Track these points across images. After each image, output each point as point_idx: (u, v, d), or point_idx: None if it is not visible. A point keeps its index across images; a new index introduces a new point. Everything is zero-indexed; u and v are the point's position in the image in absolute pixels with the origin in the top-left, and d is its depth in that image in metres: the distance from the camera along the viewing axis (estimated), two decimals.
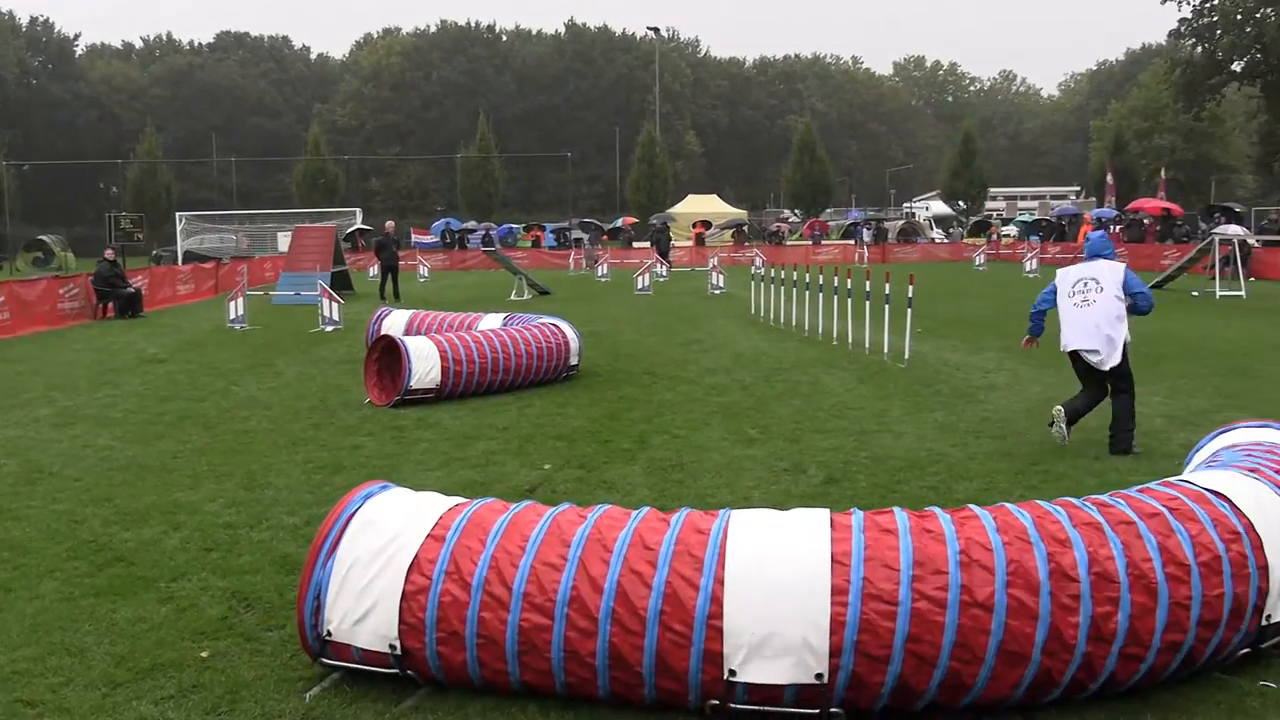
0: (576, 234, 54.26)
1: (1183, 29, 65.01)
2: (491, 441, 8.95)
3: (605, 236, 54.96)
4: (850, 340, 14.97)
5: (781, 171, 69.57)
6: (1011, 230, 59.65)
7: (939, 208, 71.75)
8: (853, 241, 50.71)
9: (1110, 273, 8.51)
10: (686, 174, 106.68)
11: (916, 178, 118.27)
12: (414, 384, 10.79)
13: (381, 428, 9.54)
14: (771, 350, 14.85)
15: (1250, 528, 4.33)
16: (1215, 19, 66.16)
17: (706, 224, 53.78)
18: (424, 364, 10.88)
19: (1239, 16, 63.58)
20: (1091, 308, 8.51)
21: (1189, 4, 67.55)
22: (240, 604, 5.16)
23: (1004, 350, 14.73)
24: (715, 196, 70.34)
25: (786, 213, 74.29)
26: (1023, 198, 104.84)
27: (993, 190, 77.48)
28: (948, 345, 15.12)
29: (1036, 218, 59.72)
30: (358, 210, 58.70)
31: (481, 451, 8.57)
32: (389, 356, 11.36)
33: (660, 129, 76.69)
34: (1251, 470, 4.85)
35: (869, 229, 53.10)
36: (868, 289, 14.93)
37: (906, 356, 13.11)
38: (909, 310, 13.50)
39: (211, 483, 7.57)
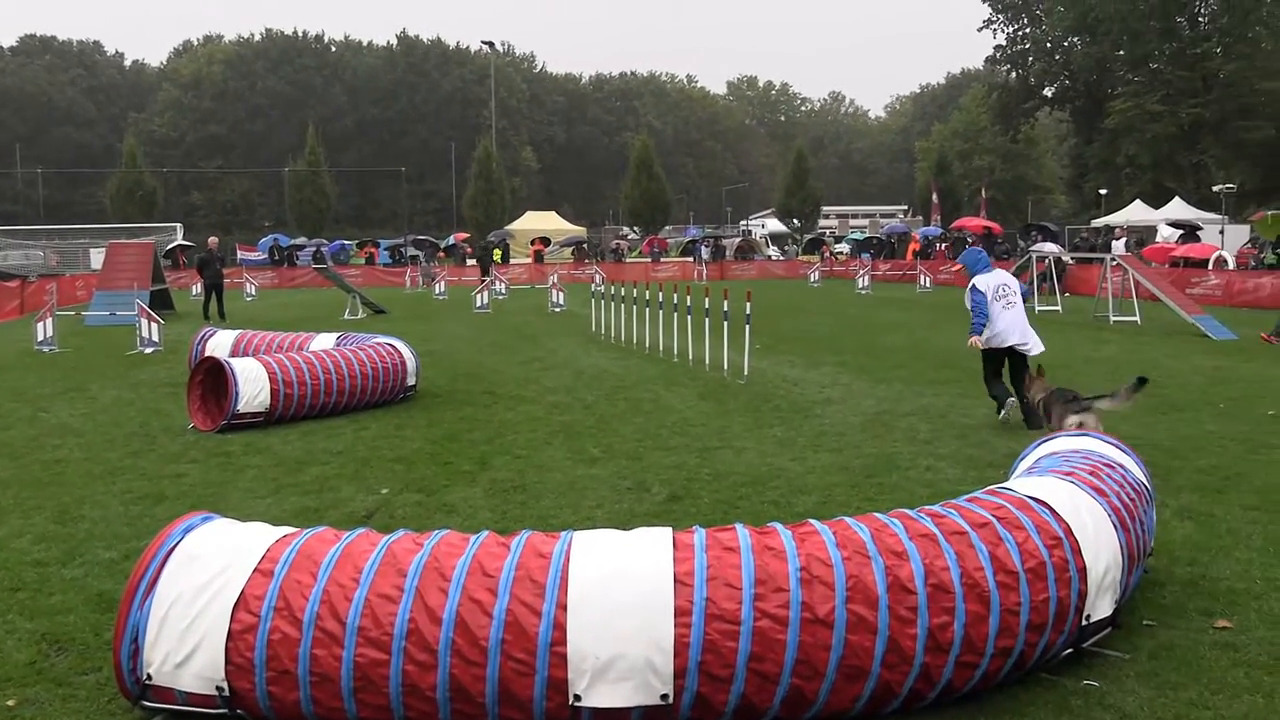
0: (412, 251, 53.92)
1: (998, 55, 67.50)
2: (325, 466, 8.82)
3: (441, 253, 54.84)
4: (691, 357, 15.17)
5: (620, 188, 71.06)
6: (844, 248, 61.36)
7: (774, 225, 73.55)
8: (691, 259, 52.15)
9: (1014, 281, 10.39)
10: (524, 190, 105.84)
11: (752, 196, 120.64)
12: (241, 407, 10.57)
13: (206, 454, 9.32)
14: (613, 368, 14.97)
15: (1069, 531, 4.54)
16: (1028, 46, 68.71)
17: (545, 241, 53.99)
18: (252, 386, 10.68)
19: (1049, 45, 65.46)
20: (1015, 308, 10.28)
21: (1004, 32, 69.08)
22: (51, 647, 4.92)
23: (839, 365, 15.04)
24: (554, 213, 70.61)
25: (626, 230, 74.81)
26: (854, 216, 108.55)
27: (825, 209, 79.29)
28: (785, 361, 15.39)
29: (868, 235, 61.44)
30: (178, 225, 56.41)
31: (315, 477, 8.44)
32: (214, 379, 11.09)
33: (497, 144, 76.81)
34: (1067, 474, 5.06)
35: (707, 246, 54.62)
36: (707, 306, 15.12)
37: (746, 373, 13.33)
38: (747, 327, 13.74)
39: (18, 517, 7.23)
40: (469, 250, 55.55)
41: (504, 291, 35.55)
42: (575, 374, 14.47)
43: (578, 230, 64.21)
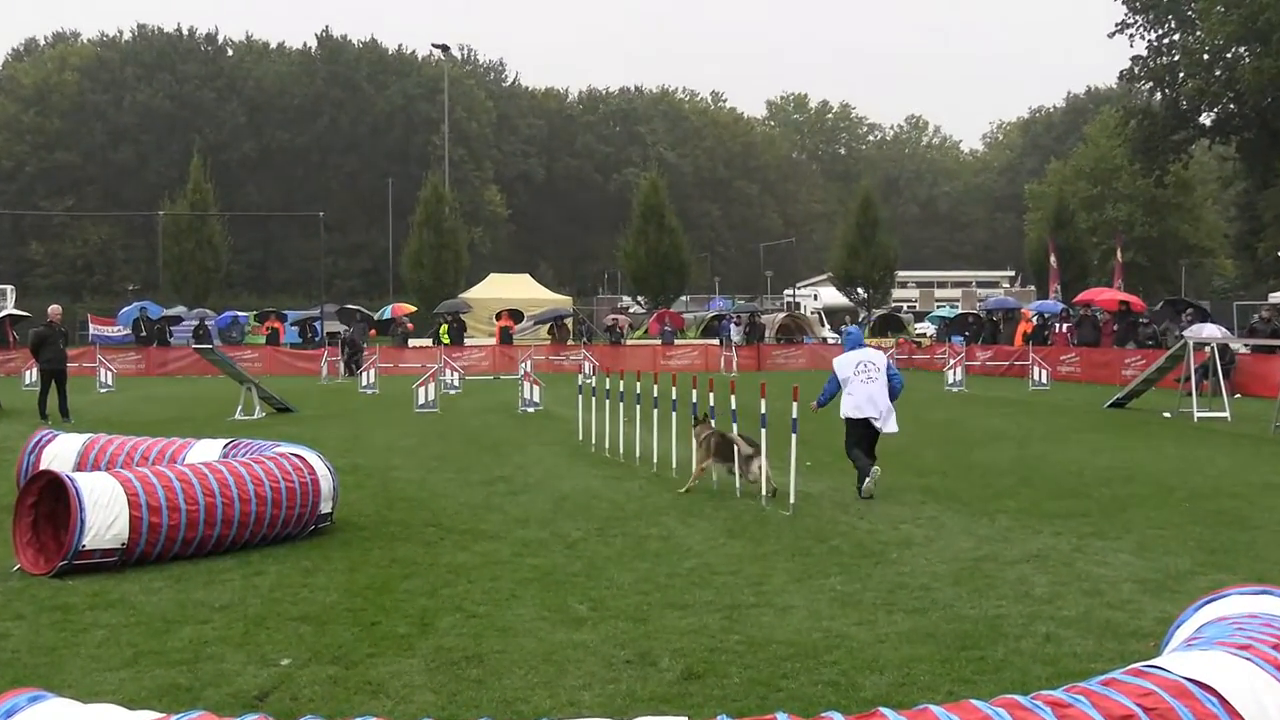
0: (332, 326, 54.02)
1: (1137, 70, 67.01)
2: (204, 626, 8.78)
3: (373, 331, 53.94)
4: (715, 478, 15.16)
5: (619, 244, 70.12)
6: (928, 328, 60.78)
7: (831, 296, 72.79)
8: (717, 341, 51.57)
9: (879, 358, 14.86)
10: (488, 245, 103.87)
11: (801, 256, 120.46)
12: (89, 543, 10.44)
13: (38, 608, 9.24)
14: (607, 492, 15.02)
15: None
16: (1177, 58, 65.98)
17: (516, 315, 53.85)
18: (104, 514, 10.52)
19: (1205, 56, 63.66)
20: (875, 383, 14.54)
21: (1144, 38, 67.61)
22: None
23: (922, 491, 15.16)
24: (528, 277, 70.69)
25: (626, 301, 74.83)
26: (942, 284, 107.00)
27: (901, 275, 79.62)
28: (847, 484, 15.32)
29: (960, 312, 61.28)
30: (8, 289, 55.48)
31: (189, 641, 8.39)
32: (51, 502, 11.01)
33: (451, 182, 74.67)
34: (1243, 648, 4.97)
35: (738, 324, 53.80)
36: (736, 407, 15.19)
37: (792, 500, 13.30)
38: (794, 437, 13.65)
39: None
40: (409, 326, 54.92)
41: (457, 384, 35.47)
42: (554, 500, 14.53)
43: (560, 301, 64.17)
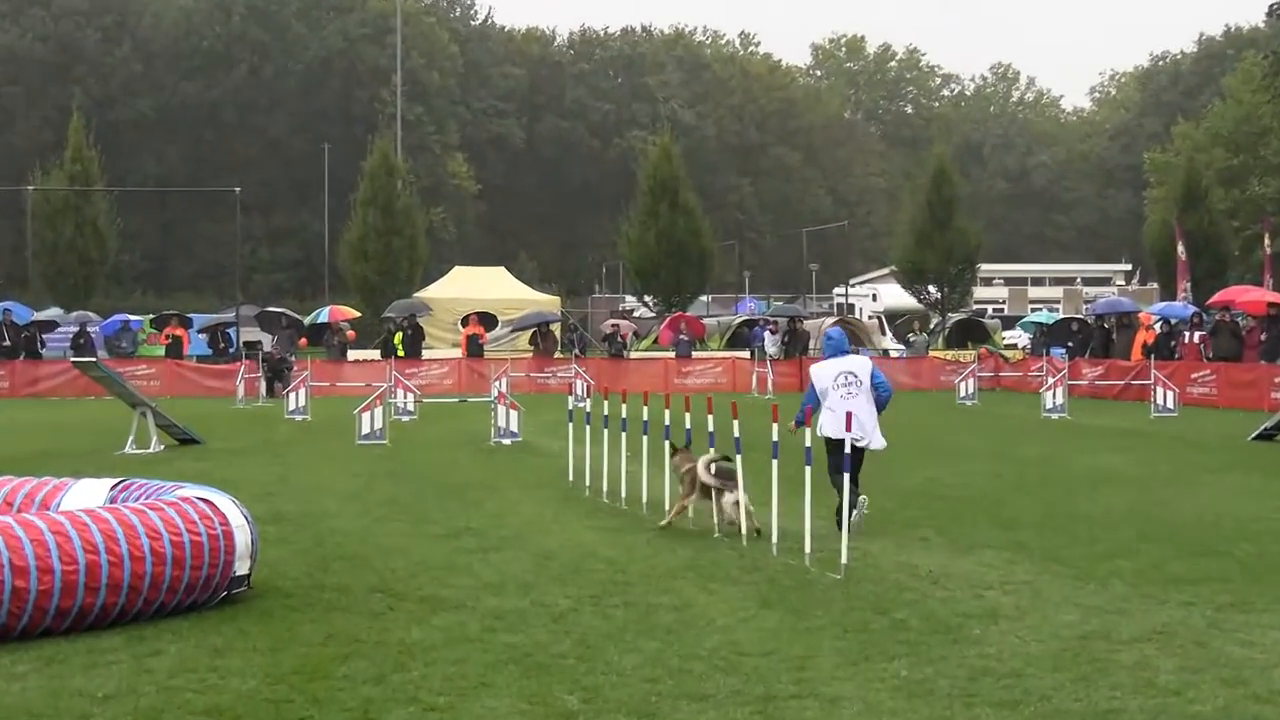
0: (251, 334, 55.09)
1: None
2: None
3: (303, 340, 55.56)
4: (746, 530, 15.36)
5: (620, 229, 70.92)
6: (1019, 337, 62.56)
7: (894, 296, 74.58)
8: (747, 354, 52.62)
9: (863, 367, 16.20)
10: (451, 230, 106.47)
11: (856, 244, 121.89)
12: None
13: None
14: (605, 548, 15.29)
15: None
16: None
17: (487, 320, 54.92)
18: None
19: None
20: (857, 399, 15.70)
21: None
22: None
23: (1012, 548, 15.30)
24: (503, 271, 71.72)
25: (630, 302, 76.84)
26: (1037, 281, 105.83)
27: (985, 269, 79.57)
28: (914, 539, 15.77)
29: (1061, 317, 61.69)
30: None
31: None
32: None
33: (405, 149, 78.01)
34: None
35: (774, 331, 54.56)
36: (775, 439, 15.05)
37: (844, 559, 13.41)
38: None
39: None
40: (350, 335, 56.20)
41: (412, 408, 36.30)
42: (537, 558, 14.81)
43: (545, 302, 64.75)
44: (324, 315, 58.39)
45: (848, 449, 14.44)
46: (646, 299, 70.15)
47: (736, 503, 15.04)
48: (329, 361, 50.04)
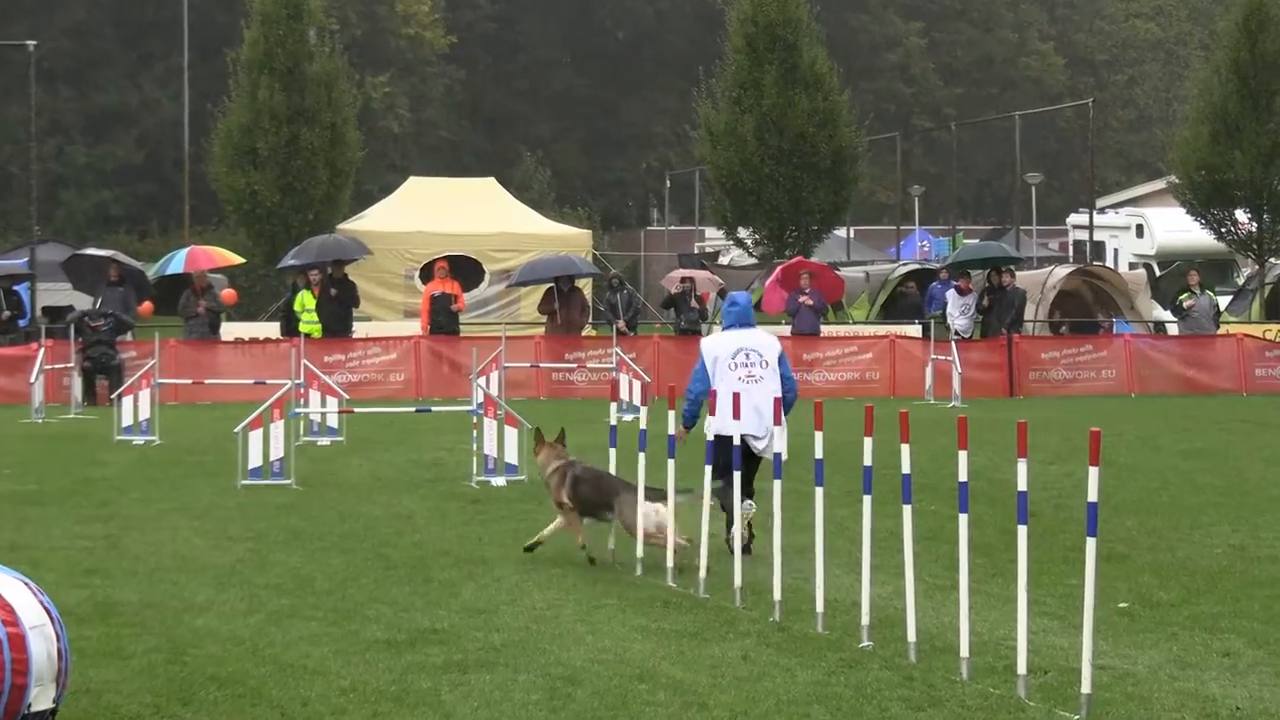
0: (56, 293, 54.62)
1: None
2: None
3: (146, 305, 53.41)
4: (915, 630, 15.13)
5: (697, 113, 69.39)
6: None
7: (1173, 227, 72.40)
8: (916, 329, 53.26)
9: (770, 346, 19.65)
10: (406, 116, 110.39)
11: (1110, 137, 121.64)
12: None
13: None
14: (670, 664, 14.91)
15: None
16: None
17: (467, 270, 55.76)
18: None
19: None
20: (760, 384, 19.20)
21: None
22: None
23: None
24: (494, 184, 71.92)
25: (713, 240, 79.67)
26: None
27: None
28: (1210, 652, 15.45)
29: None
30: None
31: None
32: None
33: None
34: None
35: (963, 290, 53.99)
36: (964, 477, 14.64)
37: (1086, 687, 13.14)
38: (1091, 544, 13.39)
39: None
40: (228, 297, 54.19)
41: (334, 425, 35.42)
42: (552, 684, 14.33)
43: (566, 240, 64.01)
44: (180, 262, 57.77)
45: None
46: (741, 234, 68.43)
47: (655, 512, 17.45)
48: (190, 342, 48.63)
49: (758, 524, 20.44)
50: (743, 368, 17.49)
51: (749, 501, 17.24)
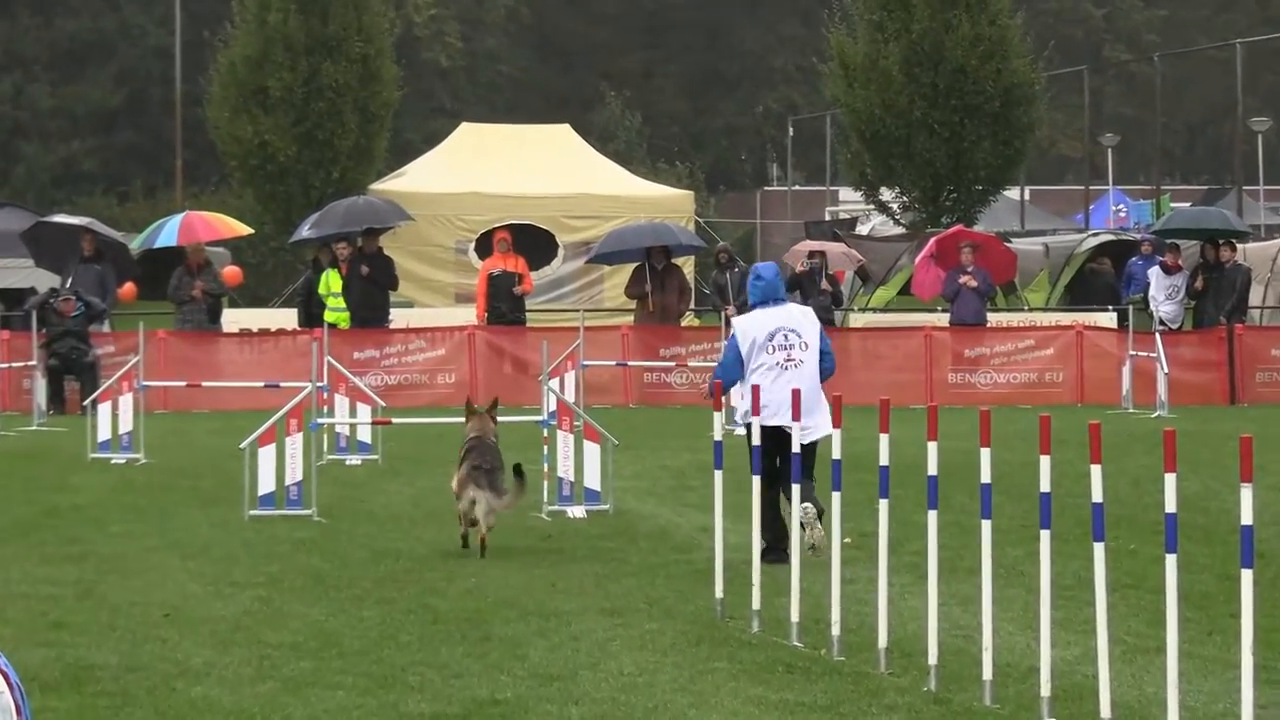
0: (18, 274, 53.66)
1: None
2: None
3: (128, 287, 53.49)
4: (1107, 706, 14.83)
5: (827, 40, 70.66)
6: None
7: None
8: (1108, 312, 54.63)
9: (810, 324, 22.38)
10: (458, 49, 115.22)
11: None
12: None
13: None
14: None
15: None
16: None
17: (535, 243, 56.30)
18: None
19: None
20: (800, 370, 21.83)
21: None
22: None
23: None
24: (569, 133, 72.29)
25: (849, 204, 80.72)
26: None
27: None
28: None
29: None
30: None
31: None
32: None
33: None
34: None
35: (1170, 268, 53.39)
36: (1172, 507, 14.15)
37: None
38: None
39: None
40: (231, 275, 52.63)
41: (367, 439, 35.48)
42: None
43: (661, 204, 65.57)
44: (172, 233, 56.00)
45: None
46: (884, 196, 69.87)
47: (474, 501, 19.14)
48: (184, 334, 49.56)
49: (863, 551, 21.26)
50: (781, 350, 19.09)
51: (809, 506, 18.04)
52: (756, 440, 17.80)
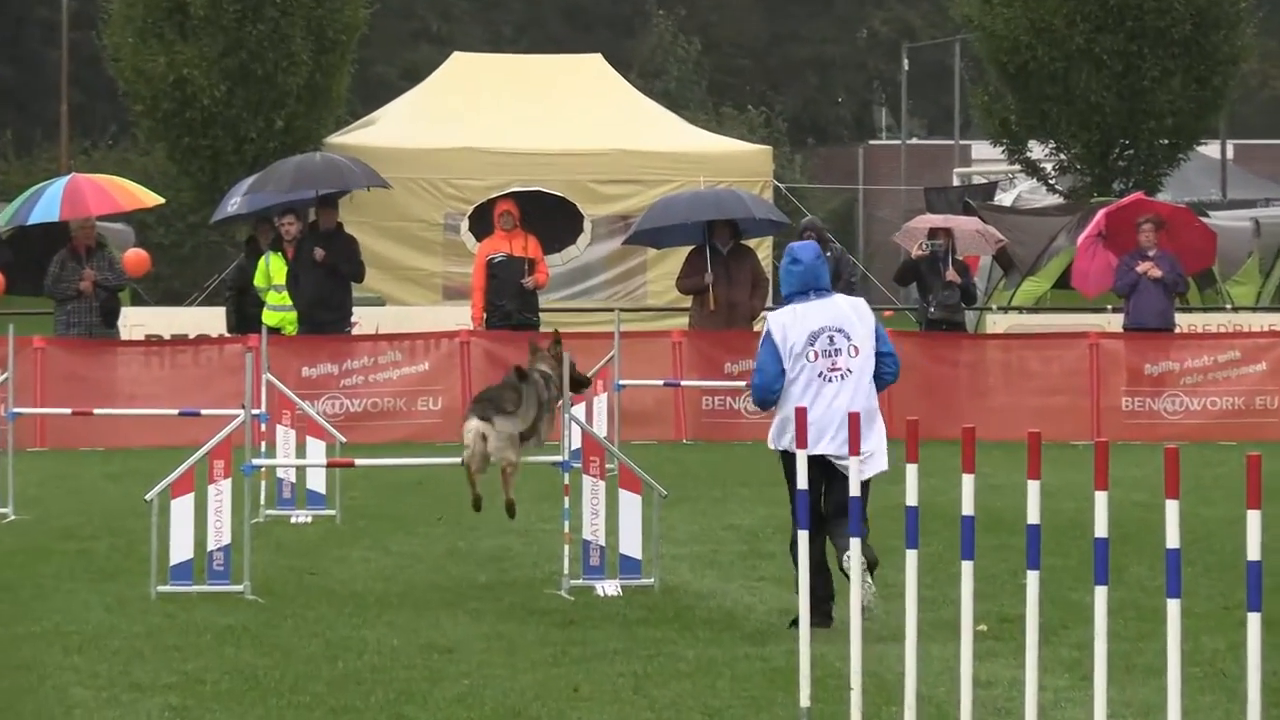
0: None
1: None
2: None
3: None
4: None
5: None
6: None
7: None
8: None
9: (862, 320, 23.15)
10: None
11: None
12: None
13: None
14: None
15: None
16: None
17: (554, 218, 54.35)
18: None
19: None
20: (848, 381, 23.01)
21: None
22: None
23: None
24: (599, 61, 72.65)
25: (990, 160, 79.54)
26: None
27: None
28: None
29: None
30: None
31: None
32: None
33: None
34: None
35: None
36: None
37: None
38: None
39: None
40: (135, 263, 50.52)
41: (321, 491, 34.80)
42: None
43: (724, 157, 64.54)
44: (53, 205, 57.00)
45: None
46: (1033, 153, 68.74)
47: (482, 436, 19.80)
48: (69, 341, 47.95)
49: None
50: (825, 357, 20.46)
51: (857, 552, 18.54)
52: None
